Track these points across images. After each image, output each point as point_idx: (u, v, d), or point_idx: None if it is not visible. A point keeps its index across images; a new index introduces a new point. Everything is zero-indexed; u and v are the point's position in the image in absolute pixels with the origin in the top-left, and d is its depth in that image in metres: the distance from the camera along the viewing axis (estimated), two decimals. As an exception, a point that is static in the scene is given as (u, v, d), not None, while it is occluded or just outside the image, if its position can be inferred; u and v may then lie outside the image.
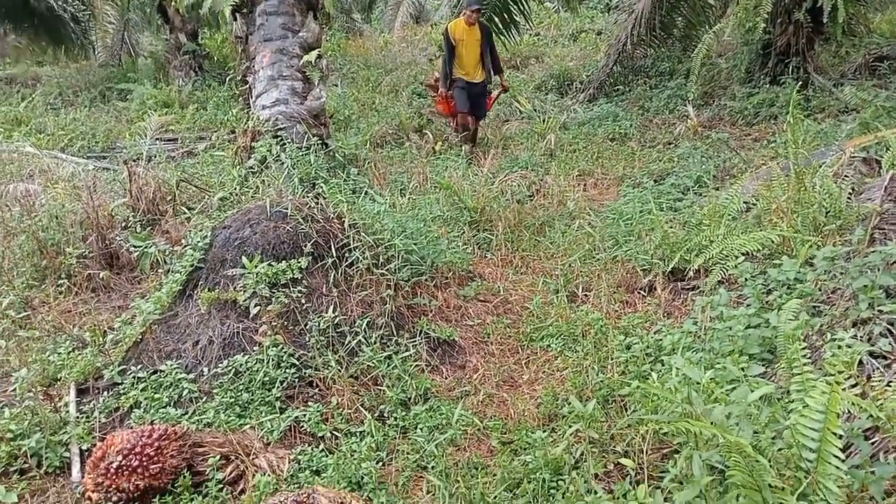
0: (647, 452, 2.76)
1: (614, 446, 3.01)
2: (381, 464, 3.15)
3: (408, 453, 3.17)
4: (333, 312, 3.84)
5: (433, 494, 2.91)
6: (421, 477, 3.07)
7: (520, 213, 5.58)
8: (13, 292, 4.43)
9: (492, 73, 8.07)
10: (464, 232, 5.31)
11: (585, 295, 4.45)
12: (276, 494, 2.83)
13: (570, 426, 3.16)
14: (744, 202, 4.64)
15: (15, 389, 3.66)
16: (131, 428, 3.20)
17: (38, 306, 4.54)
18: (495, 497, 2.82)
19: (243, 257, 3.83)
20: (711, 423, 1.99)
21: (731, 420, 2.12)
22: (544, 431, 3.17)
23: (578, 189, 6.40)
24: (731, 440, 1.87)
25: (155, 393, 3.52)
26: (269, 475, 2.99)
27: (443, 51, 8.29)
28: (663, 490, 2.27)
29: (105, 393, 3.61)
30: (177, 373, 3.60)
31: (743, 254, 3.91)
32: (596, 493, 2.53)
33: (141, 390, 3.54)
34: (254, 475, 3.02)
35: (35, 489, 3.14)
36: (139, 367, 3.70)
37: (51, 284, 4.70)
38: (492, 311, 4.44)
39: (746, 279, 3.71)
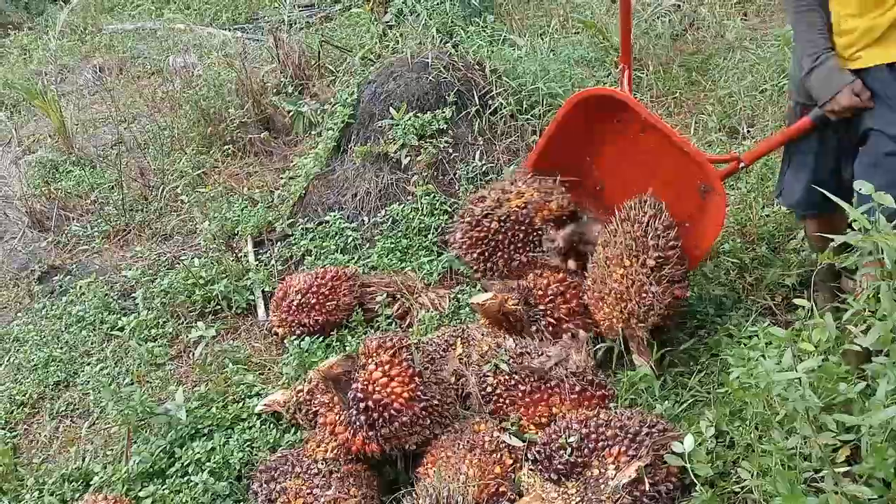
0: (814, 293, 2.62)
1: (783, 279, 2.90)
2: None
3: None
4: (480, 160, 3.87)
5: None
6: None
7: (672, 49, 5.19)
8: (185, 158, 4.80)
9: None
10: (610, 73, 5.05)
11: (748, 130, 4.16)
12: (439, 329, 3.01)
13: (730, 262, 3.08)
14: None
15: (200, 242, 4.06)
16: (306, 271, 3.47)
17: (209, 171, 4.90)
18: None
19: (391, 109, 3.89)
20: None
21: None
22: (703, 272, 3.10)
23: (738, 18, 5.82)
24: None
25: (323, 241, 3.77)
26: (431, 312, 3.17)
27: None
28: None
29: (278, 244, 3.92)
30: (340, 223, 3.82)
31: None
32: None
33: (310, 240, 3.81)
34: (418, 312, 3.21)
35: (228, 327, 3.54)
36: (306, 219, 3.96)
37: (217, 150, 5.03)
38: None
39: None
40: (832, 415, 1.72)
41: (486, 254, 3.00)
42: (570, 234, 2.99)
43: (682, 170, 2.76)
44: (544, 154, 3.10)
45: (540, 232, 2.98)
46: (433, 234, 3.64)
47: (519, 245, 3.00)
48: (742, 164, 2.70)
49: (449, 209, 3.72)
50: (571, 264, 2.98)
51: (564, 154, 3.10)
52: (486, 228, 2.98)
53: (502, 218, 2.98)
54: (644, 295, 2.56)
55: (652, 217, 2.65)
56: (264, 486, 2.36)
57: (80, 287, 3.94)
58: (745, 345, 2.44)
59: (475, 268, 3.04)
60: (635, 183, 2.86)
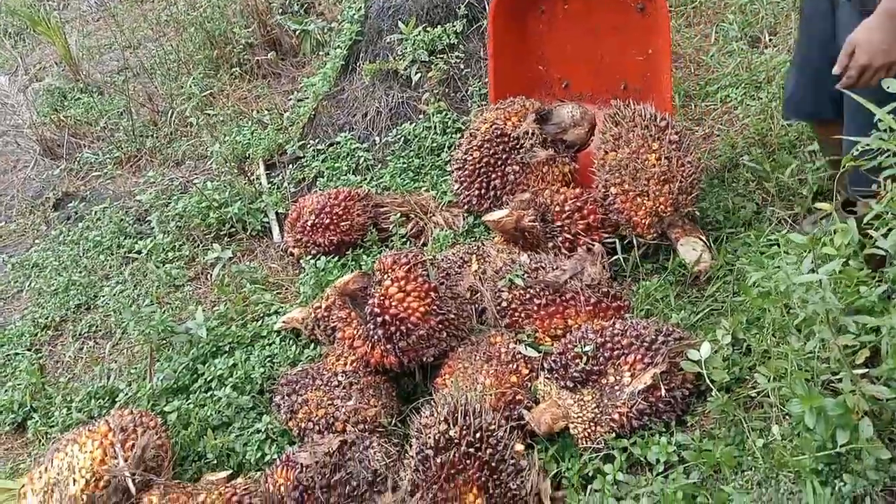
0: (836, 197, 2.57)
1: (801, 191, 2.85)
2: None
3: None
4: (494, 76, 3.77)
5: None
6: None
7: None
8: (192, 81, 4.72)
9: None
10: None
11: (770, 39, 4.01)
12: (454, 247, 3.01)
13: (749, 174, 3.02)
14: None
15: (212, 166, 4.04)
16: (318, 192, 3.45)
17: (217, 94, 4.83)
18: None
19: (399, 24, 3.78)
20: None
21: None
22: (721, 181, 3.05)
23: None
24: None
25: (334, 163, 3.74)
26: (445, 231, 3.15)
27: None
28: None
29: (290, 166, 3.89)
30: (351, 143, 3.78)
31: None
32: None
33: (322, 161, 3.77)
34: (432, 231, 3.20)
35: (244, 249, 3.56)
36: (316, 140, 3.92)
37: (225, 73, 4.94)
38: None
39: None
40: (852, 317, 1.71)
41: (485, 184, 3.05)
42: (547, 130, 3.08)
43: (614, 7, 2.99)
44: (500, 84, 3.26)
45: (516, 138, 3.03)
46: (446, 153, 3.58)
47: (505, 157, 3.04)
48: None
49: (462, 127, 3.66)
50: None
51: (517, 75, 3.31)
52: (472, 162, 3.07)
53: (479, 146, 3.05)
54: (683, 167, 2.62)
55: (642, 108, 2.76)
56: (286, 398, 2.41)
57: (96, 213, 3.97)
58: (763, 253, 2.43)
59: (484, 206, 3.06)
60: (590, 56, 3.20)
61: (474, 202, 3.08)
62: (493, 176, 3.04)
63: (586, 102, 3.24)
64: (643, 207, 2.66)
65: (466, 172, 3.08)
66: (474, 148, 3.06)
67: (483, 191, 3.05)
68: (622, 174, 2.71)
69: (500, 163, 3.04)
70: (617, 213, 2.73)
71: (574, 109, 3.10)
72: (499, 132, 3.04)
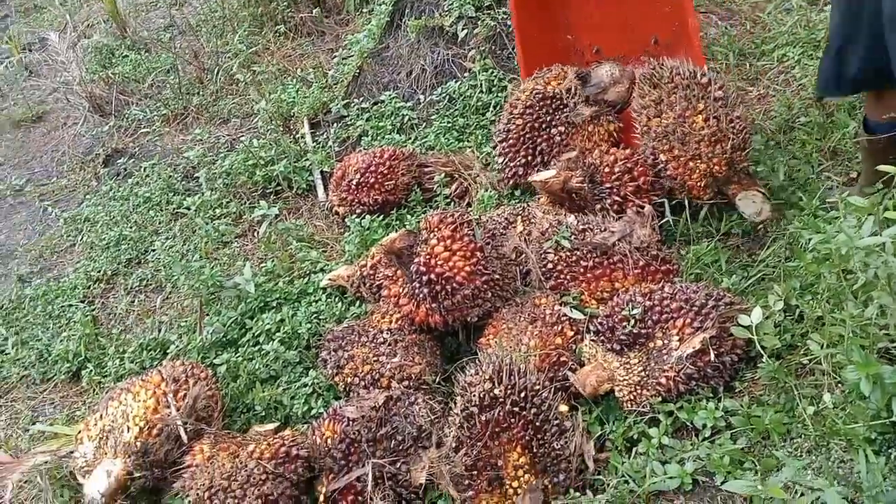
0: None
1: (859, 154, 2.75)
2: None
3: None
4: (542, 33, 3.69)
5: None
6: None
7: None
8: (237, 38, 4.73)
9: None
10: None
11: (831, -5, 3.84)
12: (499, 208, 2.98)
13: (806, 135, 2.93)
14: None
15: (258, 124, 4.06)
16: (363, 151, 3.45)
17: (262, 52, 4.83)
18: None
19: (447, -22, 3.71)
20: None
21: None
22: (776, 143, 2.96)
23: None
24: None
25: (379, 122, 3.72)
26: (490, 191, 3.13)
27: None
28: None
29: (335, 125, 3.89)
30: (396, 102, 3.75)
31: None
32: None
33: (366, 120, 3.76)
34: (477, 191, 3.18)
35: (290, 207, 3.58)
36: (361, 99, 3.90)
37: (269, 31, 4.93)
38: (714, 23, 4.01)
39: None
40: (915, 283, 1.65)
41: (531, 150, 3.01)
42: (587, 91, 3.07)
43: None
44: (530, 59, 3.22)
45: (559, 98, 3.00)
46: (492, 111, 3.54)
47: (549, 119, 3.00)
48: None
49: (508, 85, 3.60)
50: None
51: (545, 47, 3.26)
52: (515, 130, 3.03)
53: (521, 113, 3.02)
54: (734, 122, 2.57)
55: (679, 66, 2.69)
56: (333, 353, 2.44)
57: (144, 169, 4.03)
58: (819, 217, 2.36)
59: (530, 174, 2.98)
60: (617, 17, 3.18)
61: (521, 172, 3.01)
62: (539, 140, 2.99)
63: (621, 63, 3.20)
64: (697, 171, 2.60)
65: (510, 142, 3.03)
66: (516, 116, 3.02)
67: (529, 157, 3.00)
68: (670, 140, 2.65)
69: (545, 126, 2.99)
70: (670, 180, 2.68)
71: (613, 68, 3.07)
72: (540, 95, 3.00)
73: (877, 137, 2.32)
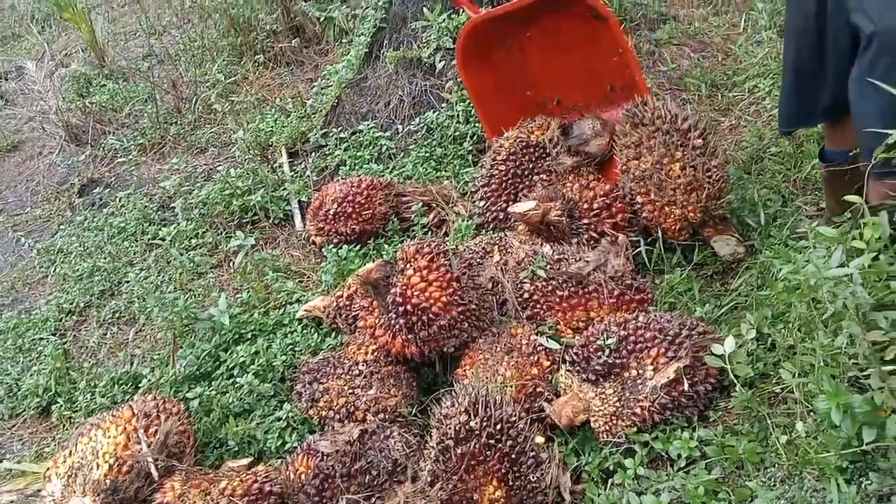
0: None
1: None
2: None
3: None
4: (518, 65, 3.74)
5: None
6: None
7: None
8: (216, 68, 4.74)
9: None
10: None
11: (799, 28, 3.94)
12: (476, 237, 2.99)
13: (777, 165, 2.98)
14: None
15: (235, 153, 4.06)
16: (341, 181, 3.45)
17: (241, 82, 4.84)
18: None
19: (424, 10, 3.75)
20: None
21: None
22: (747, 173, 3.01)
23: None
24: None
25: (357, 151, 3.73)
26: (468, 221, 3.14)
27: None
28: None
29: (312, 154, 3.90)
30: (374, 132, 3.77)
31: None
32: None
33: (344, 150, 3.77)
34: (454, 221, 3.19)
35: (266, 237, 3.57)
36: (339, 129, 3.91)
37: (248, 60, 4.96)
38: (687, 55, 4.09)
39: None
40: (882, 312, 1.67)
41: (512, 196, 3.05)
42: (570, 142, 3.10)
43: (574, 21, 3.04)
44: (491, 119, 3.31)
45: (542, 147, 3.06)
46: (469, 142, 3.56)
47: (531, 167, 3.05)
48: None
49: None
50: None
51: (507, 107, 3.30)
52: (498, 175, 3.06)
53: (504, 160, 3.07)
54: (710, 172, 2.58)
55: (657, 108, 2.71)
56: (308, 386, 2.42)
57: (120, 199, 4.00)
58: (790, 246, 2.39)
59: (511, 222, 3.03)
60: (572, 69, 3.22)
61: (501, 217, 3.04)
62: (521, 186, 3.04)
63: (580, 112, 3.31)
64: (672, 216, 2.64)
65: (493, 187, 3.06)
66: (500, 162, 3.07)
67: (510, 202, 3.03)
68: (647, 184, 2.69)
69: (527, 172, 3.04)
70: (646, 220, 2.72)
71: (594, 121, 3.13)
72: (524, 143, 3.06)
73: (838, 168, 2.36)
